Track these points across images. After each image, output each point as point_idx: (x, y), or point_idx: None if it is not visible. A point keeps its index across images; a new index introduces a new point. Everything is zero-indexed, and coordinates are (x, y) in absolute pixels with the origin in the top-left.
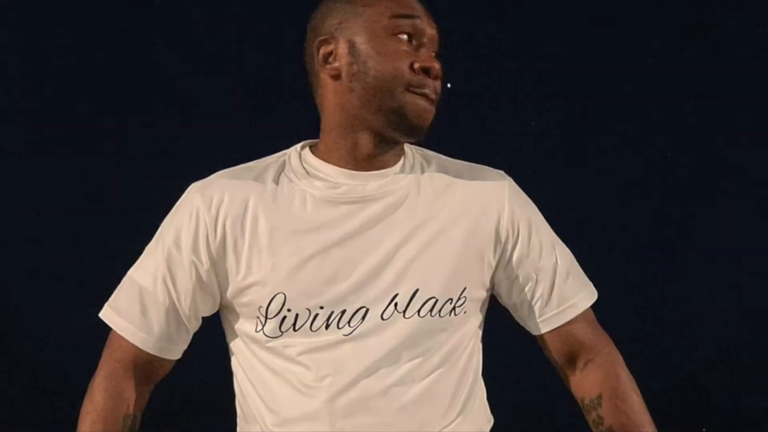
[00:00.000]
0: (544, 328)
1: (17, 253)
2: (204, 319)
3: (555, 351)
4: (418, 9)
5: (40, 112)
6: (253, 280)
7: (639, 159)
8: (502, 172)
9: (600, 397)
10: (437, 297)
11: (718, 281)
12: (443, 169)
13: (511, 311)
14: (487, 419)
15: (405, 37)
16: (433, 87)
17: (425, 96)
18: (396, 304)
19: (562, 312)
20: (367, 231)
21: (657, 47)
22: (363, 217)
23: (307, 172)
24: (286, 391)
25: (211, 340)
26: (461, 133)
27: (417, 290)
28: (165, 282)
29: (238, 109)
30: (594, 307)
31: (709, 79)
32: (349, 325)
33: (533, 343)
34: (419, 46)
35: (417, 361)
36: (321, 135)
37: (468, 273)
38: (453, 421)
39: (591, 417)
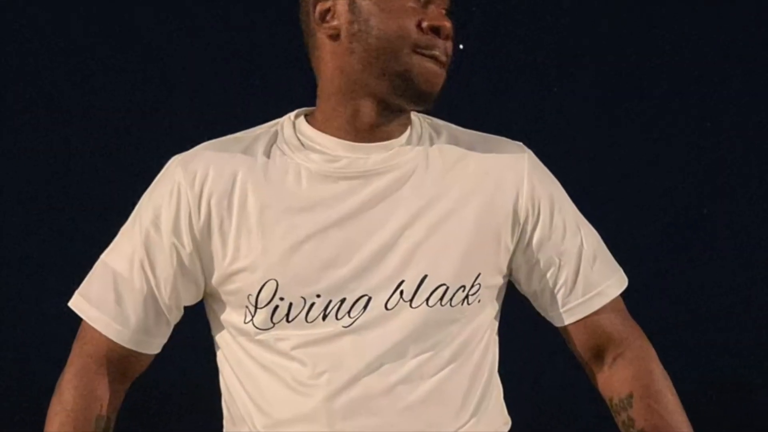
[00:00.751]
0: (567, 319)
1: None
2: (186, 309)
3: (580, 344)
4: None
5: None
6: (242, 265)
7: (675, 129)
8: (520, 143)
9: (631, 396)
10: (448, 284)
11: (762, 266)
12: (454, 141)
13: (530, 300)
14: (503, 421)
15: None
16: (443, 48)
17: (434, 58)
18: (402, 292)
19: (588, 301)
20: (370, 210)
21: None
22: (365, 194)
23: (302, 144)
24: (278, 389)
25: (194, 333)
26: (475, 100)
27: (425, 276)
28: (142, 267)
29: (225, 72)
30: (624, 295)
31: (758, 39)
32: (349, 316)
33: (556, 336)
34: (428, 2)
35: (425, 356)
36: (318, 102)
37: (482, 257)
38: (466, 423)
39: (620, 419)
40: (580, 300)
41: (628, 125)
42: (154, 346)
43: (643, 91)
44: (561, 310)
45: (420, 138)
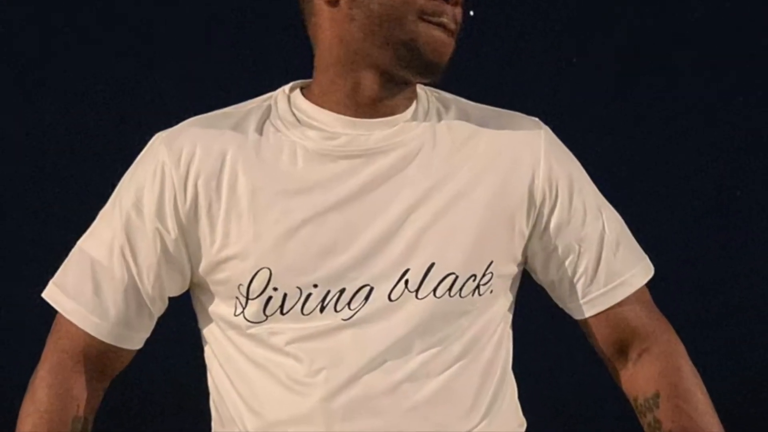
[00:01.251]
0: (588, 311)
1: None
2: (171, 300)
3: (602, 339)
4: None
5: None
6: (231, 253)
7: (705, 103)
8: (536, 119)
9: (657, 395)
10: (457, 273)
11: None
12: (465, 116)
13: (548, 290)
14: (518, 422)
15: None
16: (452, 15)
17: (442, 26)
18: (407, 282)
19: (610, 291)
20: (371, 192)
21: None
22: (366, 174)
23: (298, 120)
24: (271, 388)
25: (179, 326)
26: (486, 71)
27: (432, 264)
28: (123, 254)
29: (213, 41)
30: (650, 285)
31: None
32: (349, 308)
33: (575, 330)
34: None
35: (432, 351)
36: (315, 74)
37: (495, 243)
38: (477, 424)
39: (646, 420)
40: (602, 290)
41: (653, 99)
42: (135, 340)
43: (671, 62)
44: (581, 302)
45: (427, 113)
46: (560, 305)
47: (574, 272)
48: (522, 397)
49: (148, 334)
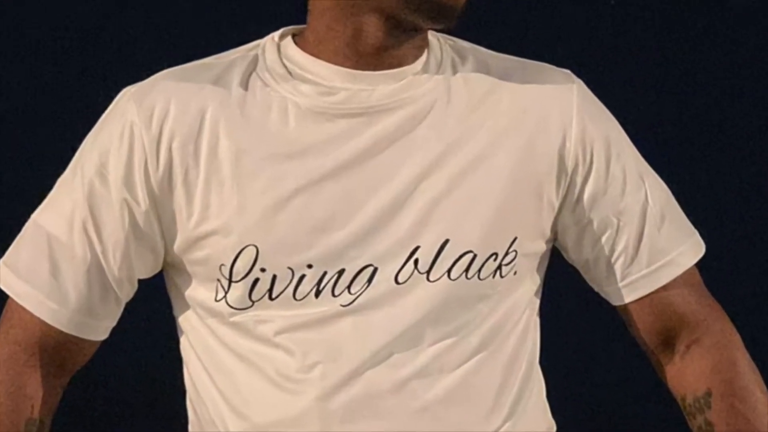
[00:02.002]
0: (628, 296)
1: None
2: (141, 283)
3: (644, 328)
4: None
5: None
6: (212, 227)
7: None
8: (568, 72)
9: (709, 394)
10: (475, 251)
11: None
12: (484, 68)
13: (581, 272)
14: (546, 425)
15: None
16: None
17: None
18: (416, 262)
19: (654, 272)
20: (375, 156)
21: None
22: (369, 136)
23: (290, 72)
24: (258, 385)
25: (150, 314)
26: (510, 15)
27: (446, 241)
28: (85, 229)
29: None
30: (700, 265)
31: None
32: (349, 292)
33: (613, 318)
34: None
35: (447, 342)
36: (309, 19)
37: (519, 217)
38: (498, 428)
39: (696, 423)
40: (645, 271)
41: (703, 47)
42: (99, 330)
43: (723, 3)
44: (620, 285)
45: (440, 65)
46: (595, 289)
47: (612, 250)
48: (551, 396)
49: (114, 323)
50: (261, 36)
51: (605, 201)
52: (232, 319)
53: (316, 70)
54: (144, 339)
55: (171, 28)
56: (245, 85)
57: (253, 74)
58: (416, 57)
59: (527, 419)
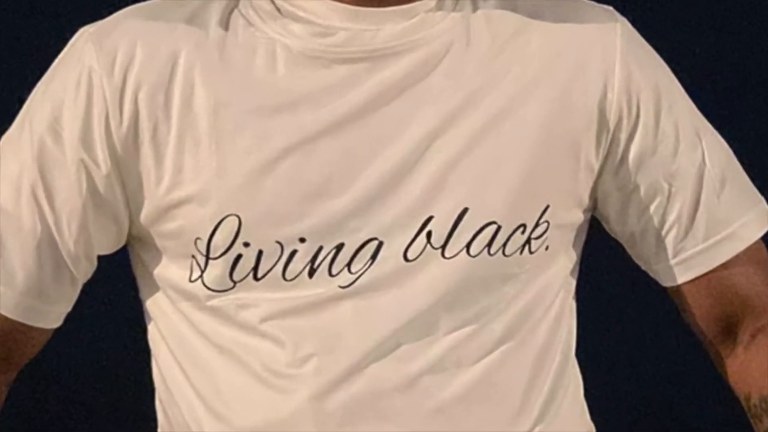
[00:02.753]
0: (682, 276)
1: None
2: (101, 260)
3: (701, 314)
4: None
5: None
6: (186, 194)
7: None
8: (610, 8)
9: None
10: (500, 222)
11: None
12: (510, 5)
13: (626, 246)
14: (584, 428)
15: None
16: None
17: None
18: (429, 235)
19: (713, 247)
20: (380, 109)
21: None
22: (373, 85)
23: (278, 9)
24: (241, 382)
25: (113, 297)
26: None
27: (465, 210)
28: (35, 196)
29: None
30: (767, 239)
31: None
32: (350, 271)
33: (664, 301)
34: None
35: (465, 331)
36: None
37: (552, 181)
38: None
39: (762, 427)
40: (701, 246)
41: None
42: (51, 316)
43: None
44: (672, 262)
45: (457, 0)
46: (643, 267)
47: (663, 221)
48: (589, 395)
49: (69, 308)
50: None
51: (654, 162)
52: (209, 303)
53: (310, 7)
54: (104, 327)
55: None
56: (225, 24)
57: (235, 11)
58: None
59: (561, 422)
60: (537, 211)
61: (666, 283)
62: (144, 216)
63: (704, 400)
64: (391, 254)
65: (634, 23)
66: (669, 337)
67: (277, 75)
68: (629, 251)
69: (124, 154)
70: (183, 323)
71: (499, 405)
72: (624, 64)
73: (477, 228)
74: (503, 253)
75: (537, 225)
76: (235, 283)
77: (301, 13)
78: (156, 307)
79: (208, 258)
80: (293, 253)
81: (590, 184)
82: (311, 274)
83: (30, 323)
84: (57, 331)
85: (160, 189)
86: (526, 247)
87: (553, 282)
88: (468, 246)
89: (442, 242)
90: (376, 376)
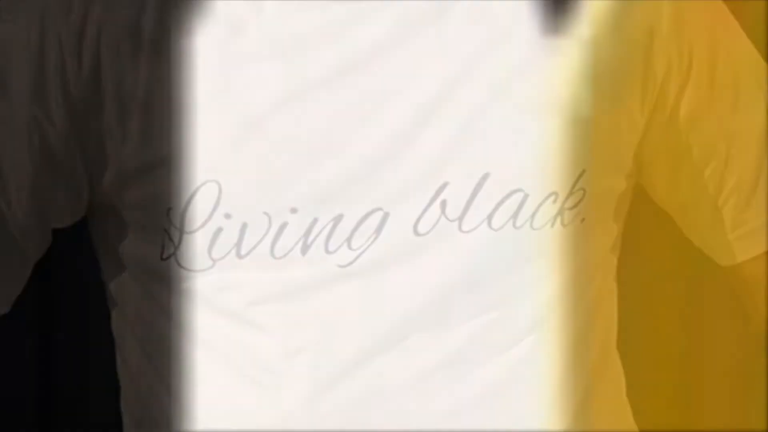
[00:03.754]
0: (743, 252)
1: None
2: (57, 234)
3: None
4: None
5: None
6: (156, 156)
7: None
8: None
9: None
10: (527, 190)
11: None
12: None
13: (676, 219)
14: (628, 430)
15: None
16: None
17: None
18: (444, 205)
19: None
20: (387, 55)
21: None
22: (378, 25)
23: None
24: (222, 378)
25: (71, 278)
26: None
27: (486, 176)
28: None
29: None
30: None
31: None
32: (350, 247)
33: (721, 284)
34: None
35: (486, 318)
36: None
37: (588, 143)
38: None
39: None
40: (765, 218)
41: None
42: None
43: None
44: (731, 236)
45: None
46: (696, 243)
47: (720, 189)
48: (631, 393)
49: (19, 290)
50: None
51: (710, 120)
52: (184, 285)
53: None
54: (60, 314)
55: None
56: None
57: None
58: None
59: (600, 424)
60: (572, 176)
61: (723, 261)
62: (107, 182)
63: (763, 400)
64: (398, 227)
65: None
66: (723, 326)
67: (263, 16)
68: (680, 224)
69: (84, 109)
70: (153, 309)
71: (526, 405)
72: (674, 5)
73: (500, 197)
74: (531, 225)
75: (571, 193)
76: (214, 261)
77: None
78: (121, 290)
79: (182, 232)
80: (283, 225)
81: (634, 144)
82: (304, 250)
83: None
84: (3, 317)
85: (125, 150)
86: (558, 219)
87: (590, 261)
88: (490, 218)
89: (459, 213)
90: (382, 372)
